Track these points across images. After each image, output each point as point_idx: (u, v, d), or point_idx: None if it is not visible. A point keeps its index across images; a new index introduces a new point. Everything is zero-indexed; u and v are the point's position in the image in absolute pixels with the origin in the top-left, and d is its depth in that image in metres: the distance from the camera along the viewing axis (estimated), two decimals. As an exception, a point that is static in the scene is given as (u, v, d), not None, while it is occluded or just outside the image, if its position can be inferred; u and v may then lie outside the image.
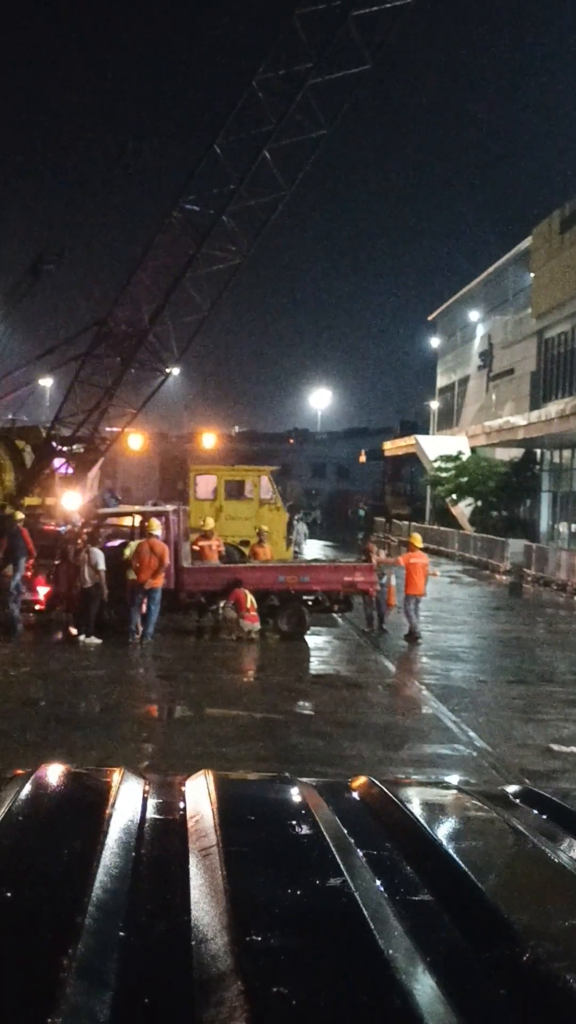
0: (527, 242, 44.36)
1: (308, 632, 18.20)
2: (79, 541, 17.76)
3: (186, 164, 21.80)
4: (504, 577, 32.40)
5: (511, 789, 2.38)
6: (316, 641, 18.13)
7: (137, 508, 21.31)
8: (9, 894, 1.53)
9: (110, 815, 1.82)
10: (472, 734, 11.66)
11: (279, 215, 20.73)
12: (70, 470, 24.46)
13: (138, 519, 18.96)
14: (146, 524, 17.66)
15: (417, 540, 19.81)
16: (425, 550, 18.05)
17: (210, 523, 21.39)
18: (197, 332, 22.31)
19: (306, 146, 20.08)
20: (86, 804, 1.98)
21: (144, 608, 17.08)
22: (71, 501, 22.58)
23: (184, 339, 22.27)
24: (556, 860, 1.82)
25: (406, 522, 51.48)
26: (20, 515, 19.32)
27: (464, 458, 44.93)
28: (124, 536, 19.49)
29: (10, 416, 32.12)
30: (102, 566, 16.93)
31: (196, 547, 20.15)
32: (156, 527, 17.38)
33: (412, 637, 18.45)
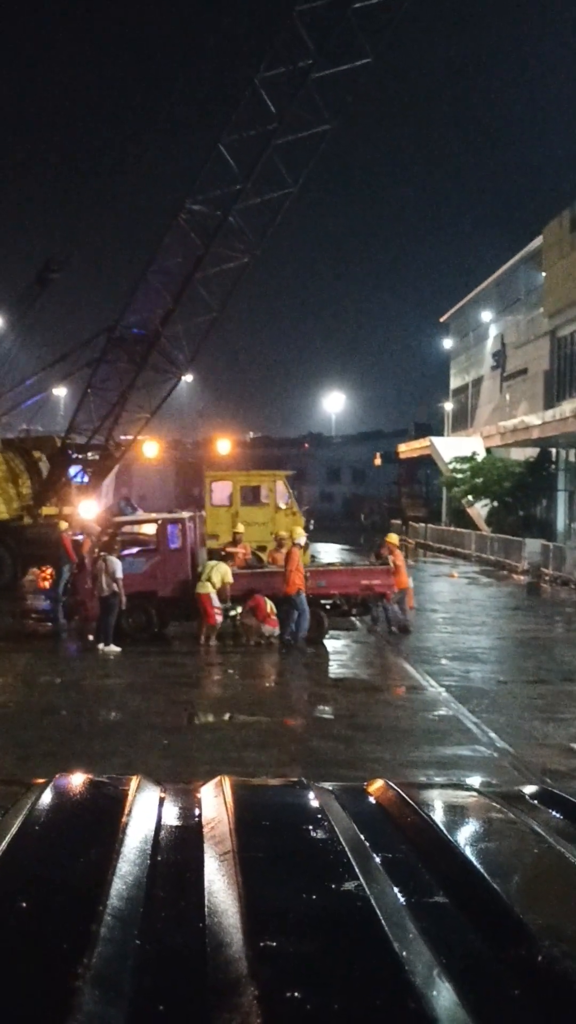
0: (538, 241, 44.27)
1: (327, 636, 18.20)
2: (96, 550, 17.82)
3: (191, 165, 21.95)
4: (522, 577, 32.31)
5: (528, 790, 2.37)
6: (335, 645, 18.12)
7: (154, 515, 21.38)
8: (26, 902, 1.53)
9: (126, 823, 1.82)
10: (493, 735, 11.63)
11: (286, 212, 20.84)
12: (86, 479, 24.60)
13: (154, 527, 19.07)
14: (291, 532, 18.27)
15: (394, 539, 20.49)
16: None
17: (241, 528, 21.53)
18: (208, 333, 22.42)
19: (311, 141, 20.17)
20: (102, 812, 1.98)
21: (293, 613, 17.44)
22: (87, 510, 22.70)
23: (196, 341, 22.36)
24: (574, 861, 1.81)
25: (423, 524, 51.37)
26: (64, 524, 20.29)
27: (479, 459, 44.80)
28: (141, 544, 19.54)
29: (25, 427, 32.34)
30: (119, 574, 16.94)
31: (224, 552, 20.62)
32: (300, 535, 17.85)
33: (405, 629, 19.22)
